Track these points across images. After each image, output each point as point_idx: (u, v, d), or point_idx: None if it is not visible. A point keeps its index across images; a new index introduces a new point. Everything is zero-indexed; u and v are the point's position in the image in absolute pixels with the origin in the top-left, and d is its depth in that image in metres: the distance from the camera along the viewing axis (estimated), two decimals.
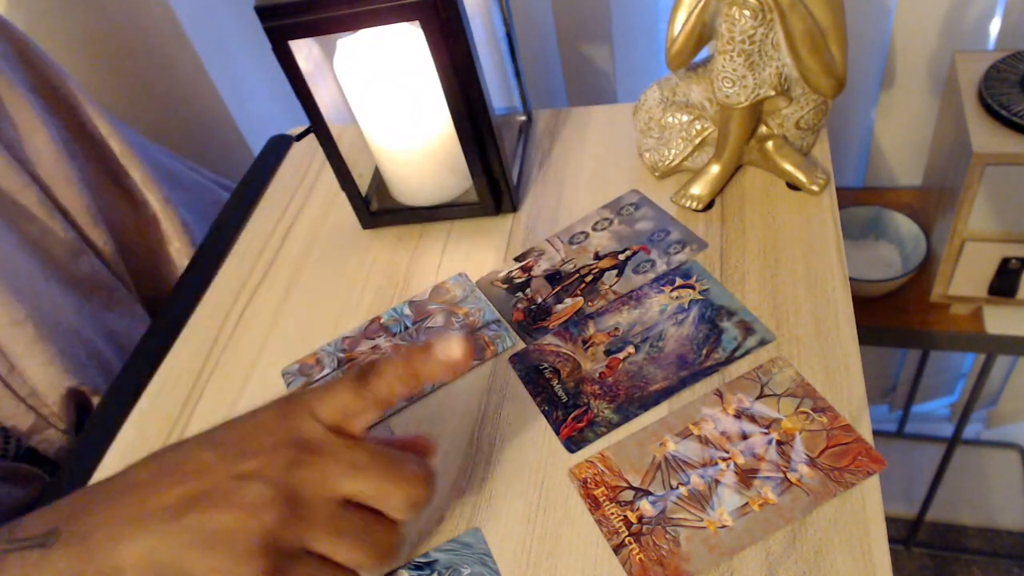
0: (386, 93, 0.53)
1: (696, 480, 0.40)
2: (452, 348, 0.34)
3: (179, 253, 0.69)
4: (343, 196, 0.62)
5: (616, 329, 0.49)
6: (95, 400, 0.57)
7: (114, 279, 0.62)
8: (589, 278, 0.53)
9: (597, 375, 0.47)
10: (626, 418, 0.44)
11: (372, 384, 0.34)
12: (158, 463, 0.34)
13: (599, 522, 0.40)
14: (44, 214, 0.57)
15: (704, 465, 0.41)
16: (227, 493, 0.32)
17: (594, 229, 0.56)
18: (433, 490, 0.35)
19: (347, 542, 0.33)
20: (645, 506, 0.40)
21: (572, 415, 0.45)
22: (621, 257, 0.54)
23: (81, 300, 0.59)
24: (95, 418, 0.52)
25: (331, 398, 0.34)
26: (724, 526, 0.38)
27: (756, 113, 0.53)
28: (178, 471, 0.33)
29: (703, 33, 0.50)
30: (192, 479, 0.32)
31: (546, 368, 0.48)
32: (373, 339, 0.53)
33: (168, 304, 0.59)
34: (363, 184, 0.61)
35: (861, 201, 1.00)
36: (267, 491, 0.32)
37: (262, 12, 0.47)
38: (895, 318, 0.93)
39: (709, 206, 0.55)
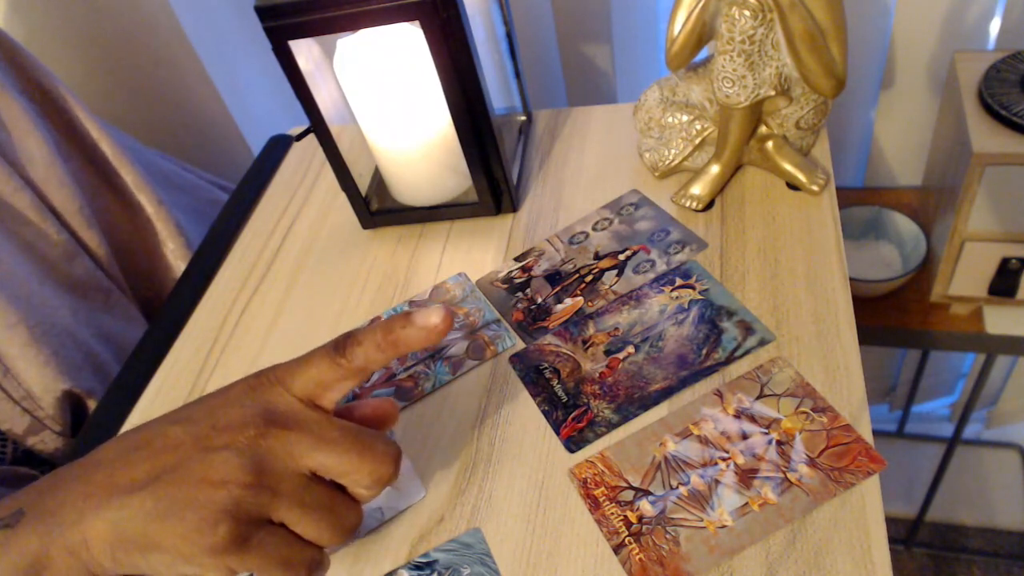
0: (386, 93, 0.53)
1: (696, 480, 0.40)
2: (431, 315, 0.34)
3: (174, 255, 0.69)
4: (343, 196, 0.62)
5: (616, 329, 0.49)
6: (91, 403, 0.57)
7: (109, 281, 0.62)
8: (589, 278, 0.53)
9: (597, 375, 0.47)
10: (626, 418, 0.44)
11: (349, 352, 0.34)
12: (127, 441, 0.34)
13: (599, 522, 0.40)
14: (37, 217, 0.57)
15: (704, 465, 0.41)
16: (195, 465, 0.32)
17: (594, 229, 0.56)
18: (398, 468, 0.35)
19: (311, 515, 0.33)
20: (645, 506, 0.40)
21: (572, 415, 0.45)
22: (621, 257, 0.54)
23: (76, 302, 0.59)
24: (95, 417, 0.52)
25: (305, 370, 0.35)
26: (724, 526, 0.38)
27: (756, 113, 0.53)
28: (147, 447, 0.33)
29: (703, 33, 0.50)
30: (161, 454, 0.33)
31: (546, 368, 0.48)
32: None
33: (168, 304, 0.59)
34: (363, 184, 0.61)
35: (861, 201, 1.00)
36: (234, 461, 0.32)
37: (262, 12, 0.47)
38: (895, 318, 0.93)
39: (709, 206, 0.55)
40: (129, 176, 0.66)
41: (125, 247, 0.66)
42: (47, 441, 0.55)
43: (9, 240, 0.55)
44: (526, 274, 0.54)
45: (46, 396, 0.54)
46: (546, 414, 0.45)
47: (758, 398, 0.43)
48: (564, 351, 0.49)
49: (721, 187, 0.56)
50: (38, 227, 0.57)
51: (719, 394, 0.44)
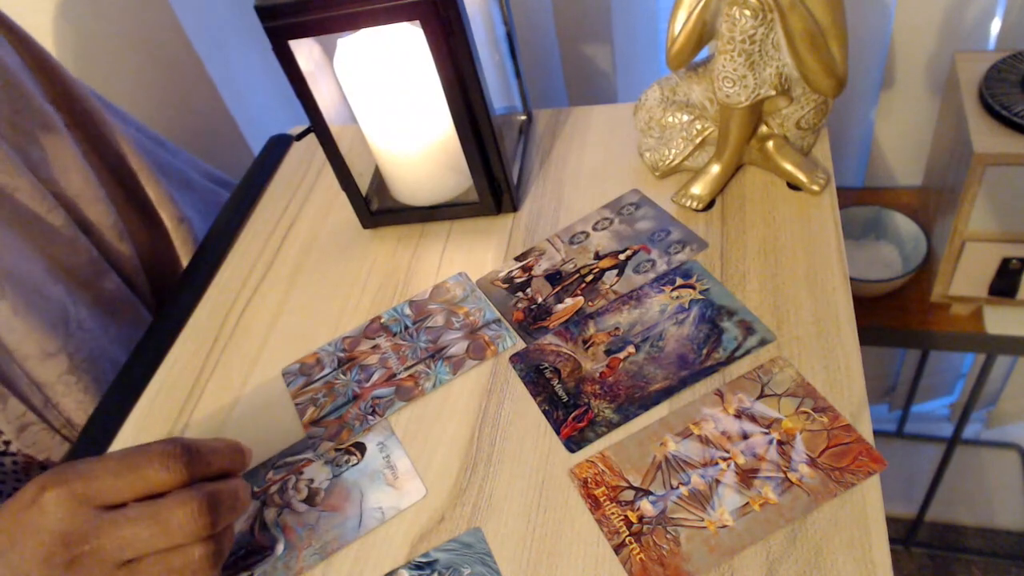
0: (386, 93, 0.53)
1: (697, 480, 0.40)
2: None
3: None
4: (343, 196, 0.62)
5: (616, 329, 0.49)
6: None
7: (135, 297, 0.62)
8: (589, 278, 0.53)
9: (597, 375, 0.47)
10: (626, 418, 0.44)
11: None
12: None
13: (599, 522, 0.40)
14: (71, 233, 0.56)
15: (705, 465, 0.41)
16: None
17: (594, 229, 0.56)
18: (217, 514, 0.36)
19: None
20: (645, 506, 0.40)
21: (572, 415, 0.45)
22: (621, 257, 0.54)
23: (109, 321, 0.58)
24: (95, 418, 0.52)
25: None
26: (724, 526, 0.38)
27: (756, 113, 0.53)
28: None
29: (703, 33, 0.50)
30: None
31: (546, 368, 0.48)
32: (373, 339, 0.53)
33: (168, 303, 0.59)
34: (363, 184, 0.61)
35: (861, 201, 1.00)
36: None
37: (262, 12, 0.47)
38: (895, 318, 0.93)
39: (710, 206, 0.55)
40: (152, 191, 0.65)
41: (147, 259, 0.65)
42: None
43: (43, 260, 0.54)
44: (526, 274, 0.54)
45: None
46: (546, 414, 0.45)
47: (759, 398, 0.43)
48: (564, 351, 0.48)
49: (721, 187, 0.56)
50: (71, 244, 0.56)
51: (720, 394, 0.44)
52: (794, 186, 0.55)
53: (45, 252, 0.55)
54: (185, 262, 0.67)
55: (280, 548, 0.43)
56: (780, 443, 0.41)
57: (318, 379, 0.51)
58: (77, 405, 0.53)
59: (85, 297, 0.56)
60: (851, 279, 0.49)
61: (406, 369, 0.50)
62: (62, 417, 0.53)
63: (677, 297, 0.50)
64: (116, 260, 0.60)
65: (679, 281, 0.51)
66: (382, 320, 0.54)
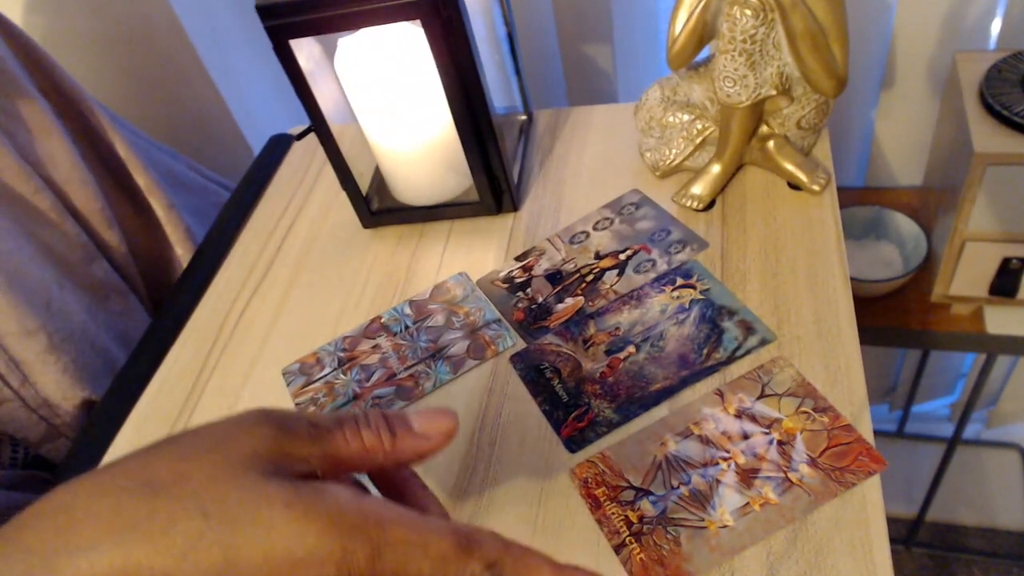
0: (387, 92, 0.53)
1: (697, 480, 0.40)
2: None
3: (182, 259, 0.68)
4: (343, 195, 0.62)
5: (617, 329, 0.49)
6: None
7: (126, 284, 0.62)
8: (590, 277, 0.53)
9: (598, 375, 0.47)
10: (627, 418, 0.44)
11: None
12: None
13: (600, 522, 0.40)
14: (58, 218, 0.56)
15: (705, 465, 0.41)
16: None
17: (595, 228, 0.56)
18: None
19: None
20: (646, 506, 0.40)
21: (573, 415, 0.45)
22: (622, 257, 0.54)
23: (96, 306, 0.58)
24: (95, 418, 0.52)
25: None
26: (725, 526, 0.38)
27: (757, 113, 0.53)
28: None
29: (704, 32, 0.50)
30: None
31: (547, 368, 0.48)
32: (373, 338, 0.53)
33: (168, 303, 0.59)
34: (364, 183, 0.61)
35: (862, 201, 1.00)
36: None
37: (263, 11, 0.47)
38: (895, 318, 0.93)
39: (710, 206, 0.55)
40: (141, 179, 0.65)
41: (136, 248, 0.65)
42: (60, 447, 0.55)
43: (30, 242, 0.55)
44: (527, 273, 0.54)
45: (64, 404, 0.53)
46: (547, 414, 0.45)
47: (759, 398, 0.43)
48: (565, 351, 0.48)
49: (722, 187, 0.56)
50: (59, 228, 0.56)
51: (720, 394, 0.44)
52: (795, 186, 0.55)
53: (33, 235, 0.55)
54: (178, 250, 0.68)
55: None
56: (780, 443, 0.41)
57: (318, 379, 0.51)
58: (55, 385, 0.53)
59: (73, 282, 0.57)
60: (851, 279, 0.48)
61: (406, 369, 0.50)
62: (39, 396, 0.53)
63: (677, 297, 0.50)
64: (105, 246, 0.61)
65: (679, 281, 0.51)
66: (382, 320, 0.54)
